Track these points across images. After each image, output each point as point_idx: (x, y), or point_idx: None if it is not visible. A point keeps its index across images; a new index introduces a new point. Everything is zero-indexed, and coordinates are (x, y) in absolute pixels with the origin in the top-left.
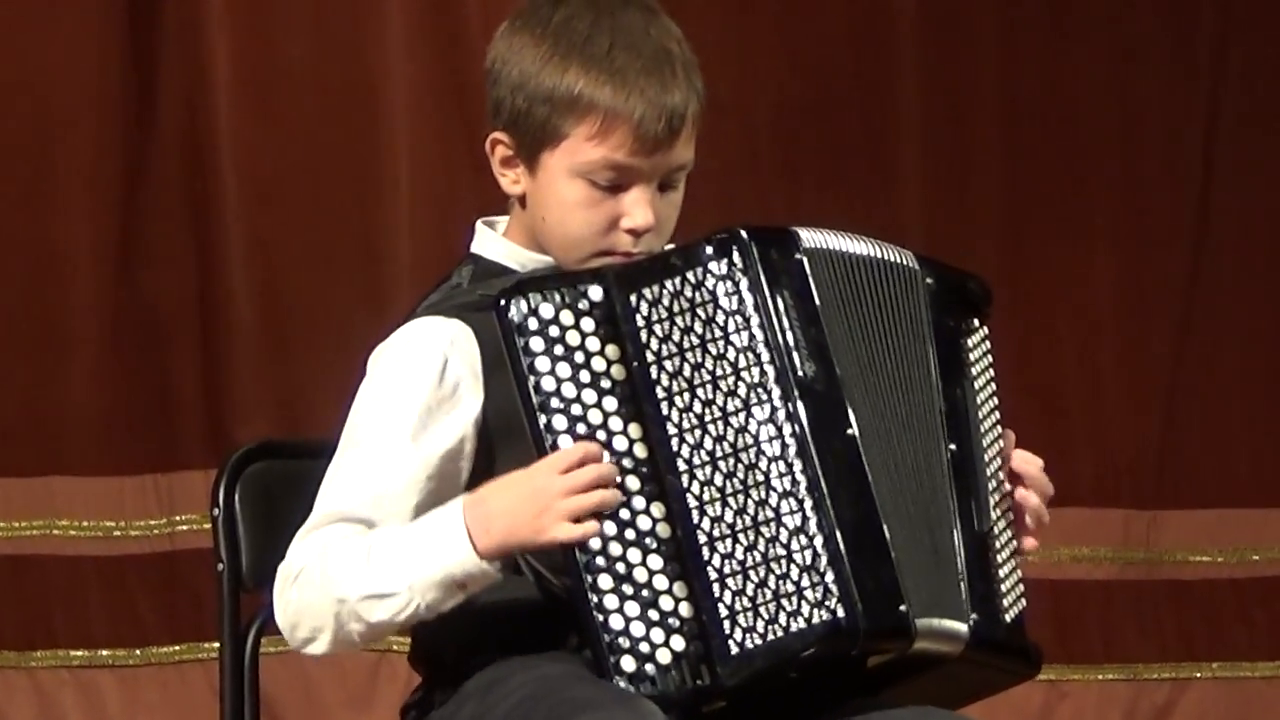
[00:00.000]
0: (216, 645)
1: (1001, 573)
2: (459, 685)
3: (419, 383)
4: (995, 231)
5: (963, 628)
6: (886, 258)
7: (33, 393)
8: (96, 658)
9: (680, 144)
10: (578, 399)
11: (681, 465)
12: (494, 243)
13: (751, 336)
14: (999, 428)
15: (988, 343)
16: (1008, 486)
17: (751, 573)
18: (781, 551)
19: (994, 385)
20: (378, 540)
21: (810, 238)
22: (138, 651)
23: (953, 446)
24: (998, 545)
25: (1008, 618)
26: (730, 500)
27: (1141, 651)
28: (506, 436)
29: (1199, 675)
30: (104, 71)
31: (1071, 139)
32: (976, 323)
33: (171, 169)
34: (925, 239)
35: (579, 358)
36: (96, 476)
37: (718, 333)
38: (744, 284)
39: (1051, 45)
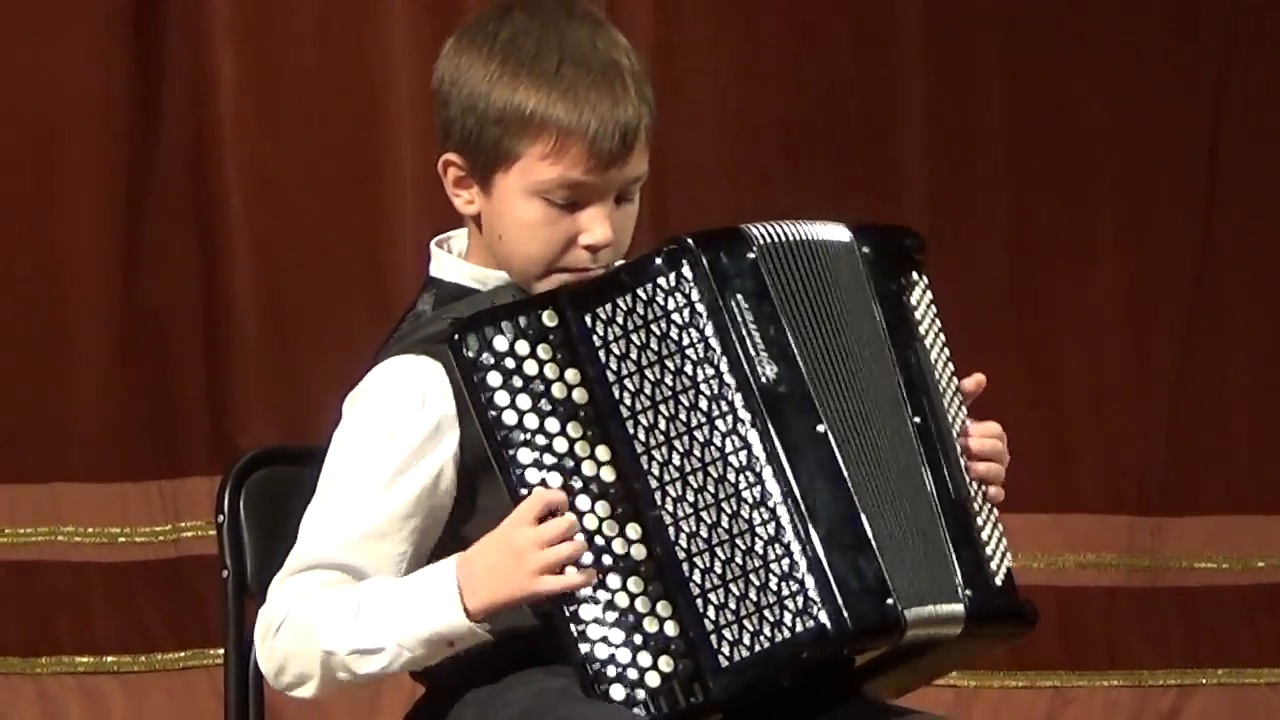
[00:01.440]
0: (221, 651)
1: (984, 534)
2: (460, 696)
3: (399, 426)
4: (1000, 240)
5: (959, 608)
6: (824, 238)
7: (37, 399)
8: (101, 664)
9: (634, 157)
10: (541, 429)
11: (653, 484)
12: (452, 264)
13: (708, 347)
14: (953, 381)
15: (929, 292)
16: (972, 443)
17: (732, 586)
18: (759, 562)
19: (942, 335)
20: (367, 594)
21: (762, 234)
22: (143, 658)
23: (916, 419)
24: (975, 507)
25: (998, 580)
26: (704, 515)
27: (1146, 658)
28: (486, 468)
29: (1204, 682)
30: (109, 78)
31: (1076, 149)
32: (915, 275)
33: (176, 176)
34: (930, 248)
35: (538, 386)
36: (101, 483)
37: (673, 347)
38: (694, 294)
39: (1056, 55)
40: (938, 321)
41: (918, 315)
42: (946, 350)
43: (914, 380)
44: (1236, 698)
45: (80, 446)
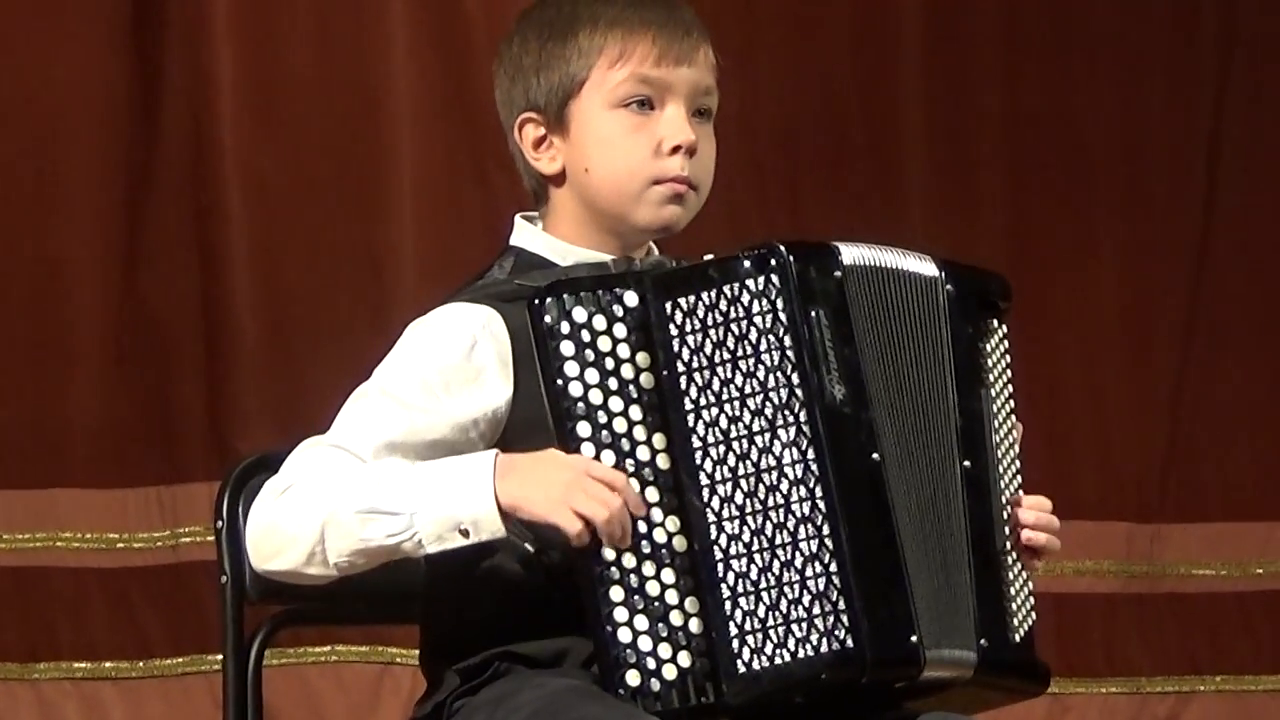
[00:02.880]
0: (220, 657)
1: (1012, 590)
2: (468, 692)
3: (446, 354)
4: (999, 245)
5: (971, 655)
6: (910, 269)
7: (36, 404)
8: (100, 669)
9: (702, 61)
10: (604, 406)
11: (703, 479)
12: (534, 235)
13: (783, 356)
14: (1014, 431)
15: (1006, 342)
16: (1021, 494)
17: (765, 594)
18: (795, 576)
19: (1010, 386)
20: (393, 464)
21: (850, 254)
22: (141, 663)
23: (967, 463)
24: (1009, 561)
25: (1017, 637)
26: (749, 519)
27: (1144, 665)
28: (528, 433)
29: (1202, 688)
30: (108, 81)
31: (1075, 155)
32: (995, 323)
33: (175, 179)
34: (929, 252)
35: (609, 364)
36: (100, 489)
37: (749, 350)
38: (779, 302)
39: (1055, 60)
40: (1009, 373)
41: (990, 363)
42: (1012, 403)
43: (972, 426)
44: (1234, 704)
45: (79, 452)
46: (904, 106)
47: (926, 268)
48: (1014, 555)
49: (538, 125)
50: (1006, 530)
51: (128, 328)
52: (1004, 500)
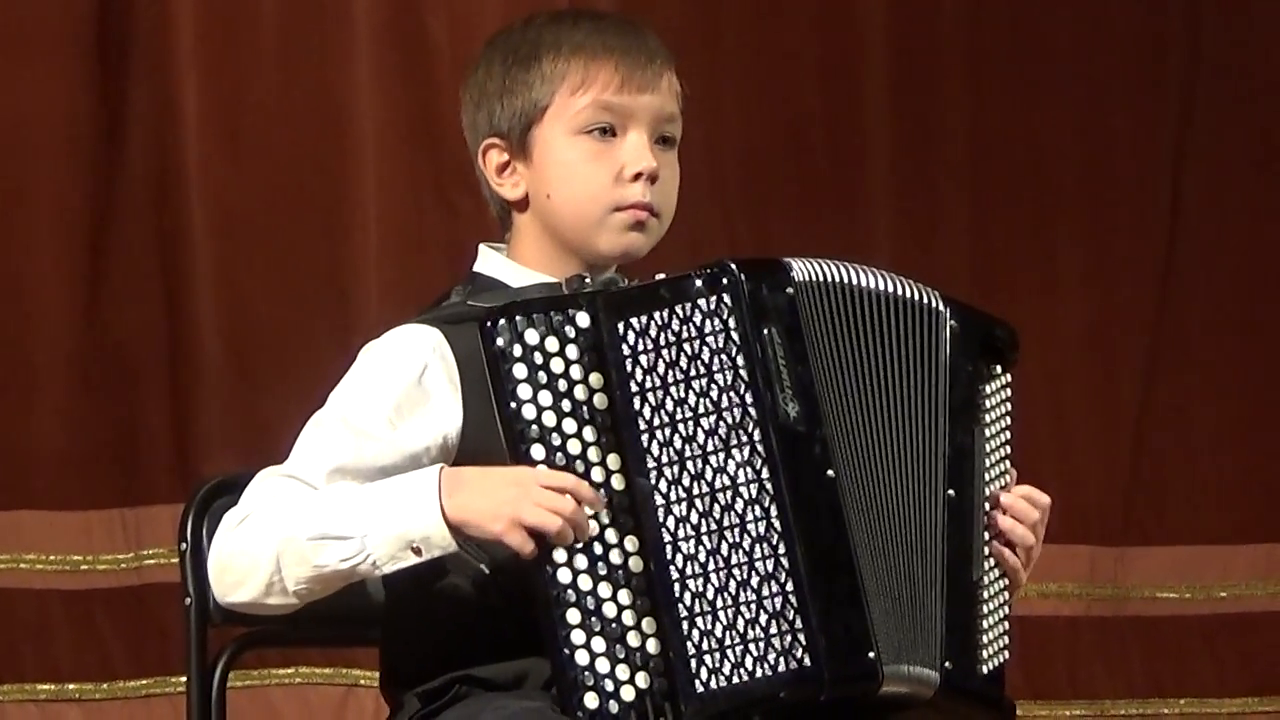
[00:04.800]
0: (184, 679)
1: (986, 623)
2: (428, 715)
3: (398, 378)
4: (964, 267)
5: (933, 674)
6: (900, 293)
7: (0, 427)
8: (63, 691)
9: (666, 88)
10: (557, 428)
11: (659, 500)
12: (495, 261)
13: (736, 375)
14: (1007, 476)
15: (1008, 390)
16: (1004, 522)
17: (721, 614)
18: (752, 595)
19: (1008, 434)
20: (343, 490)
21: (803, 270)
22: (104, 685)
23: (951, 492)
24: (986, 595)
25: (985, 669)
26: (705, 539)
27: (1108, 688)
28: (483, 457)
29: (1166, 711)
30: (72, 108)
31: (1040, 176)
32: (999, 369)
33: (140, 205)
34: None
35: (561, 386)
36: (64, 510)
37: (702, 369)
38: (731, 321)
39: (1020, 82)
40: (1007, 420)
41: (988, 404)
42: (1006, 450)
43: (962, 458)
44: None
45: (43, 474)
46: (869, 131)
47: (926, 296)
48: (992, 591)
49: (501, 151)
50: (987, 565)
51: (92, 351)
52: (985, 535)
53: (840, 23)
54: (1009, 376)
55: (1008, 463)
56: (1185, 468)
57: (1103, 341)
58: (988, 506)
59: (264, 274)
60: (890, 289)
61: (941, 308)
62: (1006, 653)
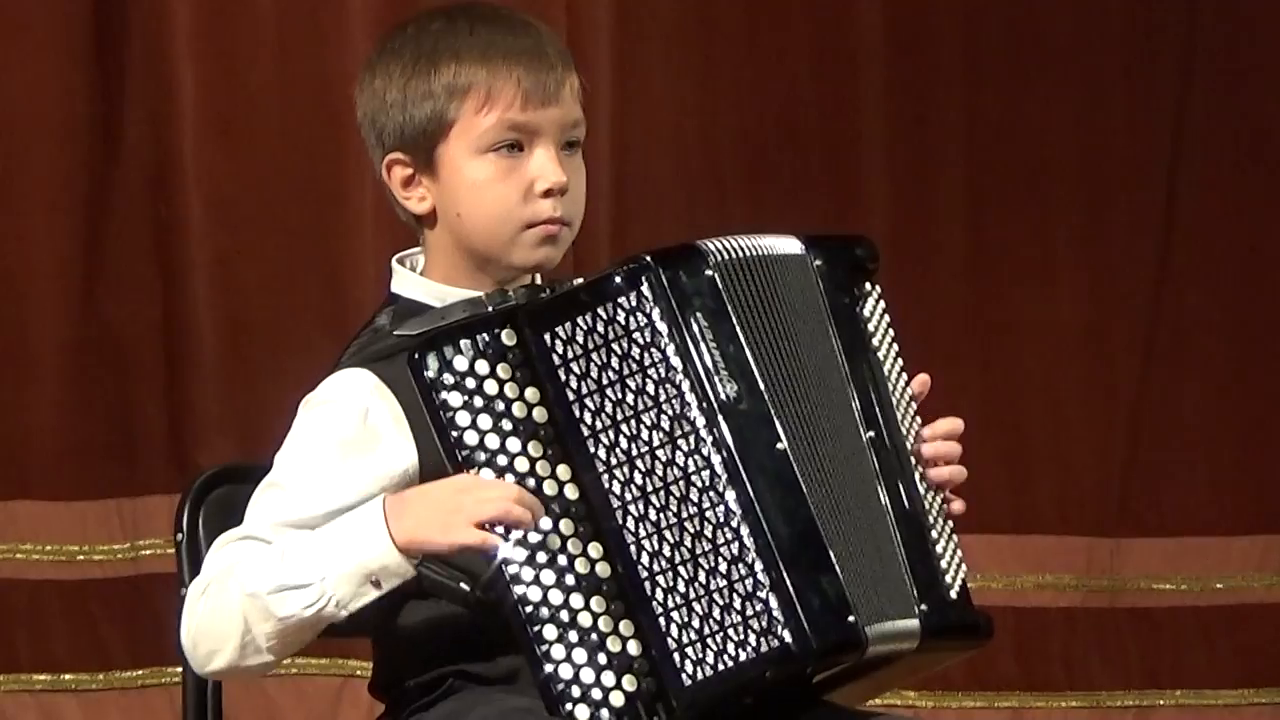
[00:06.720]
0: (179, 669)
1: (939, 547)
2: (421, 708)
3: (341, 428)
4: (959, 262)
5: (914, 624)
6: (780, 252)
7: None
8: (59, 681)
9: (568, 97)
10: (501, 449)
11: (615, 503)
12: (411, 281)
13: (669, 367)
14: (907, 390)
15: (881, 301)
16: (926, 449)
17: (696, 604)
18: (723, 581)
19: (895, 346)
20: (294, 540)
21: (718, 249)
22: (101, 675)
23: (870, 434)
24: (930, 520)
25: (953, 594)
26: (667, 534)
27: (1104, 679)
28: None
29: (1162, 703)
30: (69, 97)
31: (1036, 170)
32: (868, 285)
33: (136, 194)
34: (889, 267)
35: (499, 406)
36: (60, 501)
37: (635, 366)
38: (655, 313)
39: (1015, 77)
40: (891, 331)
41: (870, 327)
42: (899, 360)
43: (867, 395)
44: (1194, 719)
45: (39, 465)
46: (865, 122)
47: (793, 246)
48: (934, 511)
49: (405, 166)
50: (921, 488)
51: (88, 341)
52: (911, 460)
53: (836, 15)
54: (879, 289)
55: (904, 374)
56: (1181, 460)
57: (1098, 334)
58: (905, 431)
59: (260, 263)
60: (773, 249)
61: (803, 250)
62: (964, 567)
